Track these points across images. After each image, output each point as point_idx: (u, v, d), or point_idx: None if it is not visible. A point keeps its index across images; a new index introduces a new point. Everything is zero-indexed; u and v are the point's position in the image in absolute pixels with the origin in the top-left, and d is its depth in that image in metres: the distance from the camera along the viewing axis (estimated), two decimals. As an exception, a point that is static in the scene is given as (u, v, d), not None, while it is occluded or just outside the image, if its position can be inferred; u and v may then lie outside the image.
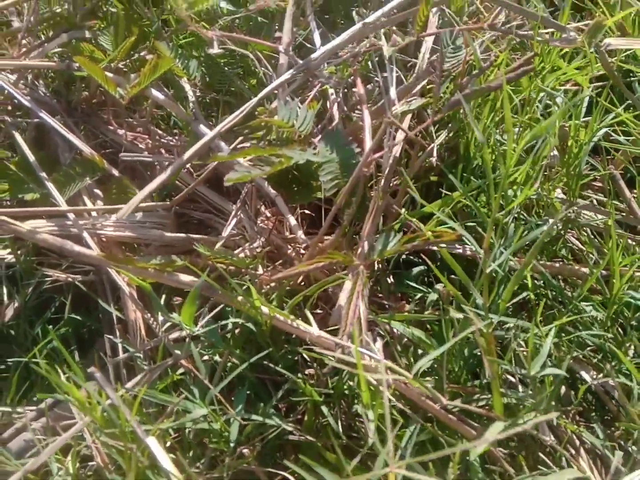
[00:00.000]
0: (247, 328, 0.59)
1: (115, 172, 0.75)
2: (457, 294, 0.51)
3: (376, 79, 0.76)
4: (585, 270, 0.62)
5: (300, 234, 0.61)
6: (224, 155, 0.59)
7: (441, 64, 0.55)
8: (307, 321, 0.56)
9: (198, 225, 0.80)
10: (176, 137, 0.83)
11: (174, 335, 0.67)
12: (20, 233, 0.68)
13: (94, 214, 0.74)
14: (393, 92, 0.55)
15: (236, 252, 0.66)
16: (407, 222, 0.66)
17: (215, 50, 0.66)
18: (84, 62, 0.70)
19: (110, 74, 0.75)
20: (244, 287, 0.58)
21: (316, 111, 0.69)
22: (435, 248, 0.62)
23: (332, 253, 0.51)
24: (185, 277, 0.61)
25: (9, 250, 0.76)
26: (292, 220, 0.62)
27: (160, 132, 0.83)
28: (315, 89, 0.71)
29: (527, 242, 0.49)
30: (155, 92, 0.76)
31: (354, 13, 0.80)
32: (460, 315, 0.53)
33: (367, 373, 0.45)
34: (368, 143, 0.57)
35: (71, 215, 0.72)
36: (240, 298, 0.57)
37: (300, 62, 0.66)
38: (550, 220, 0.57)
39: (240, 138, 0.65)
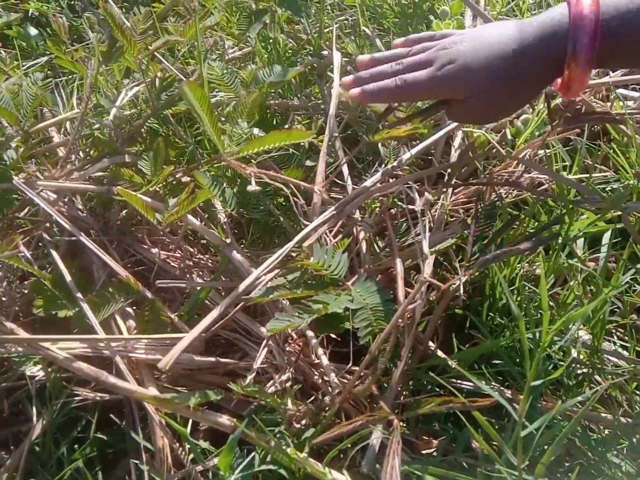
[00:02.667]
0: (277, 472, 0.60)
1: (149, 294, 0.78)
2: (492, 455, 0.52)
3: (403, 206, 0.80)
4: (610, 417, 0.63)
5: (334, 377, 0.63)
6: (261, 297, 0.62)
7: (475, 224, 0.58)
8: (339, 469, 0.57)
9: (225, 345, 0.81)
10: (206, 256, 0.86)
11: (200, 467, 0.68)
12: (56, 359, 0.70)
13: (125, 334, 0.77)
14: (426, 248, 0.58)
15: (267, 385, 0.67)
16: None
17: (253, 187, 0.70)
18: (125, 194, 0.74)
19: (147, 199, 0.79)
20: (276, 431, 0.59)
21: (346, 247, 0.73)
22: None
23: (369, 414, 0.52)
24: (221, 419, 0.62)
25: (39, 366, 0.78)
26: (325, 360, 0.64)
27: (191, 249, 0.86)
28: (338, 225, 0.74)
29: (566, 407, 0.50)
30: (190, 218, 0.79)
31: (379, 145, 0.85)
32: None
33: None
34: (401, 293, 0.60)
35: (103, 335, 0.74)
36: (273, 443, 0.58)
37: (334, 203, 0.70)
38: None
39: (275, 273, 0.67)
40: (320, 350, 0.65)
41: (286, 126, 0.99)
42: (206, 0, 1.01)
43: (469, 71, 0.58)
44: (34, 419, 0.76)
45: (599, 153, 0.82)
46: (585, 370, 0.67)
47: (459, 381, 0.66)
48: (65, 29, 0.89)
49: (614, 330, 0.72)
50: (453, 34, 0.64)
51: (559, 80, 0.59)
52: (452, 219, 0.79)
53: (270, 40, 0.95)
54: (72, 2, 1.65)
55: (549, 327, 0.47)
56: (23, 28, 1.40)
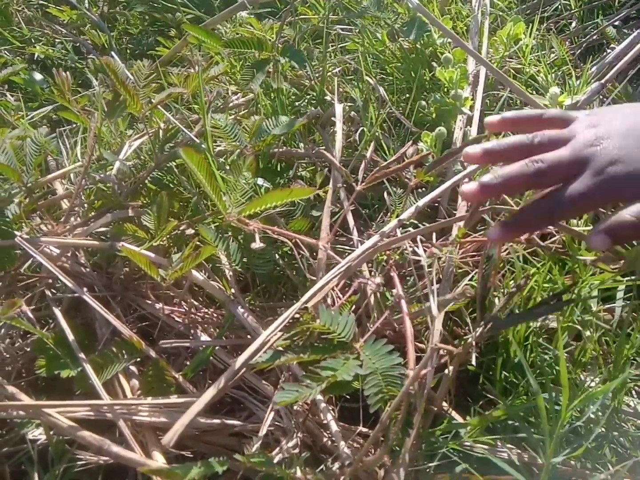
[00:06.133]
0: None
1: (153, 353, 0.76)
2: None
3: (411, 257, 0.79)
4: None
5: (344, 447, 0.60)
6: (267, 362, 0.60)
7: (481, 286, 0.57)
8: None
9: (231, 403, 0.79)
10: (211, 310, 0.84)
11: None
12: (58, 427, 0.68)
13: (129, 394, 0.75)
14: (435, 311, 0.56)
15: (274, 453, 0.65)
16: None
17: (257, 245, 0.69)
18: (128, 251, 0.73)
19: (151, 254, 0.78)
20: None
21: (353, 304, 0.72)
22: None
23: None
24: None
25: (41, 429, 0.76)
26: (334, 426, 0.62)
27: (196, 303, 0.84)
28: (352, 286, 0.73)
29: None
30: (195, 273, 0.78)
31: (385, 194, 0.84)
32: None
33: None
34: (412, 358, 0.58)
35: (106, 398, 0.72)
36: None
37: (341, 257, 0.68)
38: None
39: (280, 335, 0.65)
40: (329, 415, 0.63)
41: (290, 172, 0.98)
42: (208, 48, 1.01)
43: None
44: (35, 485, 0.74)
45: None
46: (604, 430, 0.64)
47: (473, 444, 0.64)
48: (69, 83, 0.89)
49: (632, 385, 0.70)
50: (575, 118, 0.57)
51: None
52: (460, 270, 0.77)
53: (274, 88, 0.95)
54: (77, 45, 1.68)
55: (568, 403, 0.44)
56: (28, 73, 1.41)
